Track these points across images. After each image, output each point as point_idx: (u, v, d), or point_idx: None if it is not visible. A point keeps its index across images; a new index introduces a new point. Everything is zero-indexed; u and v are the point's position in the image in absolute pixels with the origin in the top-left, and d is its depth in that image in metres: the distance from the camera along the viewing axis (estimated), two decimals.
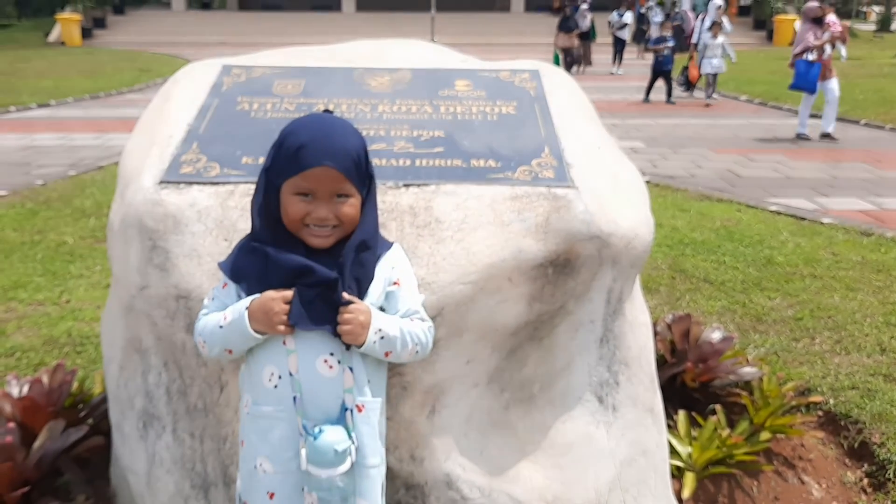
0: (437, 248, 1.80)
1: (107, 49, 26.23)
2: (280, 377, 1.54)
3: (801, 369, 3.64)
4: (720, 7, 14.99)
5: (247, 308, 1.52)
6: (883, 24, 39.05)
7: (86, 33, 29.31)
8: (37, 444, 2.31)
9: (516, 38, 30.25)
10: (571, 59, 18.73)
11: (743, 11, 33.30)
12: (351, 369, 1.55)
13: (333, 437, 1.51)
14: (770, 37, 29.76)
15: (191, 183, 1.89)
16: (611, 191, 2.02)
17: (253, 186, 1.66)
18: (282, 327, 1.49)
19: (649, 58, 21.56)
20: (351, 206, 1.55)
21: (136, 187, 1.89)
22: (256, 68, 2.46)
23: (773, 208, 7.13)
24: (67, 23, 28.41)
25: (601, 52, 22.09)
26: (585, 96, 2.53)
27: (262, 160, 1.97)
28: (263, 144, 2.03)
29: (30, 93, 14.86)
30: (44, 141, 10.39)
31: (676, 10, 22.73)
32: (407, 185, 1.91)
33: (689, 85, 15.48)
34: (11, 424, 2.31)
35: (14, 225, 6.09)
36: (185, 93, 2.28)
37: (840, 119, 12.51)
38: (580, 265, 1.91)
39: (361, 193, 1.58)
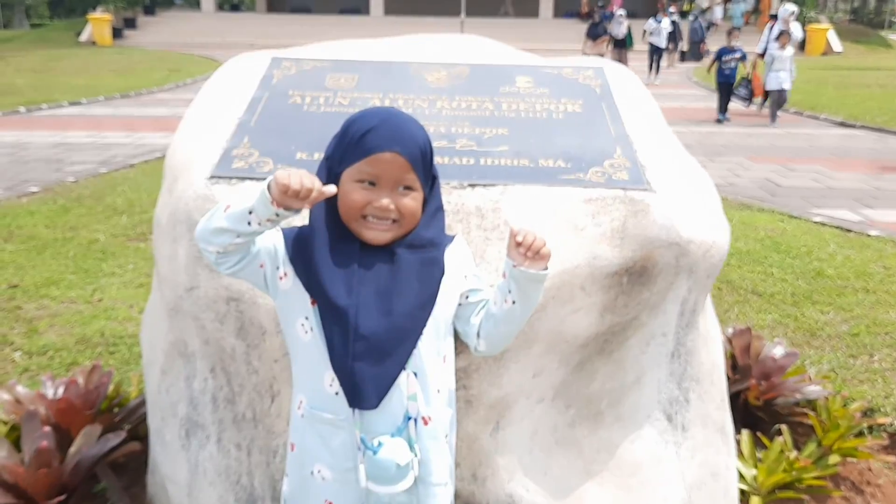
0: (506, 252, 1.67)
1: (137, 49, 26.44)
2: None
3: (862, 388, 3.46)
4: (792, 13, 13.31)
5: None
6: None
7: (116, 33, 29.59)
8: (73, 449, 2.21)
9: (544, 44, 30.05)
10: None
11: (774, 19, 32.85)
12: (415, 374, 1.43)
13: (394, 450, 1.39)
14: (802, 46, 29.33)
15: (243, 178, 1.78)
16: (688, 195, 1.88)
17: None
18: (306, 203, 1.28)
19: (680, 67, 20.86)
20: (413, 200, 1.43)
21: (185, 182, 1.79)
22: (307, 61, 2.35)
23: (817, 219, 6.93)
24: (99, 23, 28.69)
25: (636, 60, 21.75)
26: (650, 95, 2.40)
27: (318, 156, 1.87)
28: (318, 139, 1.92)
29: (62, 91, 14.97)
30: (75, 138, 10.42)
31: (692, 17, 21.68)
32: (472, 185, 1.79)
33: (750, 99, 13.55)
34: (47, 428, 2.22)
35: (46, 222, 6.05)
36: (234, 85, 2.18)
37: (880, 130, 12.23)
38: (657, 274, 1.78)
39: (424, 191, 1.46)
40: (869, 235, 6.37)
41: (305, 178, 1.27)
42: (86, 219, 6.19)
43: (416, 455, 1.41)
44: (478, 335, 1.52)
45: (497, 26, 31.42)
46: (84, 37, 29.26)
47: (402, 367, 1.40)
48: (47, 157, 9.14)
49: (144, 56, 23.02)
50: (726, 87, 12.88)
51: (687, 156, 2.17)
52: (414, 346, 1.41)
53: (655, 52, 18.63)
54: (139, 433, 2.51)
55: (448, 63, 2.38)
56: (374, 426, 1.41)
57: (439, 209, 1.51)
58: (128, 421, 2.49)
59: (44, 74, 17.89)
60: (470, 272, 1.53)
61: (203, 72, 18.91)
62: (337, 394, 1.41)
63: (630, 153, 1.92)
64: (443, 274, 1.46)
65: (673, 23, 22.33)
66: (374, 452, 1.37)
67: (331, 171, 1.44)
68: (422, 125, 1.46)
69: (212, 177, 1.78)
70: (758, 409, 2.77)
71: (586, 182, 1.81)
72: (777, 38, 12.59)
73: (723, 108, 13.04)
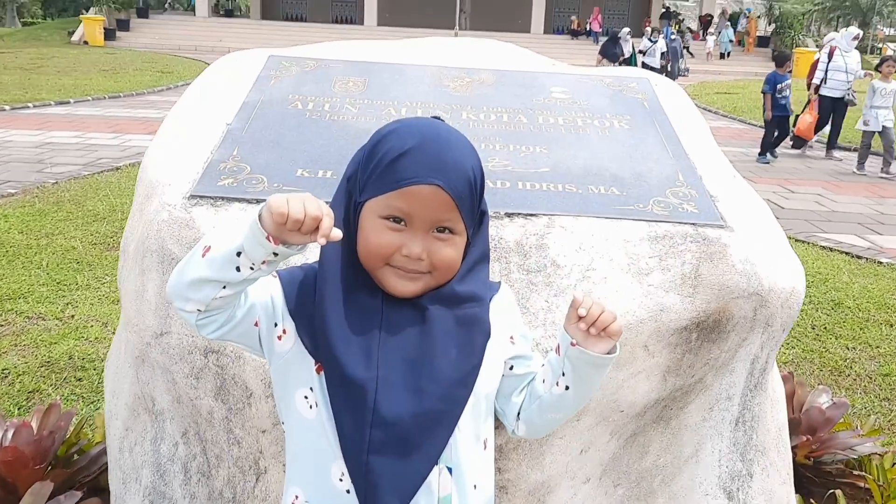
0: (554, 301, 1.35)
1: (129, 50, 26.03)
2: None
3: None
4: (856, 37, 11.23)
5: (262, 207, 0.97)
6: None
7: (109, 34, 29.23)
8: None
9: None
10: None
11: (762, 42, 33.04)
12: (450, 470, 1.10)
13: None
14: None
15: (230, 199, 1.45)
16: (763, 233, 1.57)
17: None
18: (323, 240, 0.94)
19: None
20: (452, 247, 1.08)
21: (160, 201, 1.46)
22: (310, 61, 2.03)
23: (825, 244, 6.68)
24: (91, 23, 28.36)
25: None
26: (699, 112, 2.10)
27: (323, 174, 1.55)
28: (323, 154, 1.61)
29: (49, 90, 14.57)
30: (60, 139, 10.03)
31: (674, 35, 20.96)
32: (510, 215, 1.47)
33: (798, 140, 11.30)
34: None
35: (21, 227, 5.68)
36: (226, 86, 1.86)
37: (875, 154, 11.87)
38: (730, 329, 1.46)
39: (468, 231, 1.12)
40: (881, 263, 6.12)
41: (309, 204, 0.93)
42: (63, 224, 5.82)
43: None
44: (518, 416, 1.19)
45: (491, 39, 31.28)
46: (76, 37, 28.85)
47: (434, 463, 1.07)
48: (29, 157, 8.76)
49: (135, 57, 22.60)
50: (781, 120, 10.67)
51: (746, 183, 1.87)
52: (450, 434, 1.08)
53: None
54: (101, 484, 2.16)
55: (469, 68, 2.07)
56: None
57: (484, 256, 1.16)
58: (88, 471, 2.14)
59: (32, 73, 17.46)
60: (518, 332, 1.20)
61: (194, 75, 18.51)
62: (348, 492, 1.08)
63: (694, 180, 1.61)
64: (487, 338, 1.12)
65: (667, 42, 21.64)
66: None
67: (351, 196, 1.11)
68: (471, 145, 1.12)
69: (192, 196, 1.45)
70: (805, 467, 2.45)
71: (648, 214, 1.49)
72: (878, 67, 10.37)
73: (775, 144, 10.84)
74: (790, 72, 10.98)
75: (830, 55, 11.01)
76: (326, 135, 1.67)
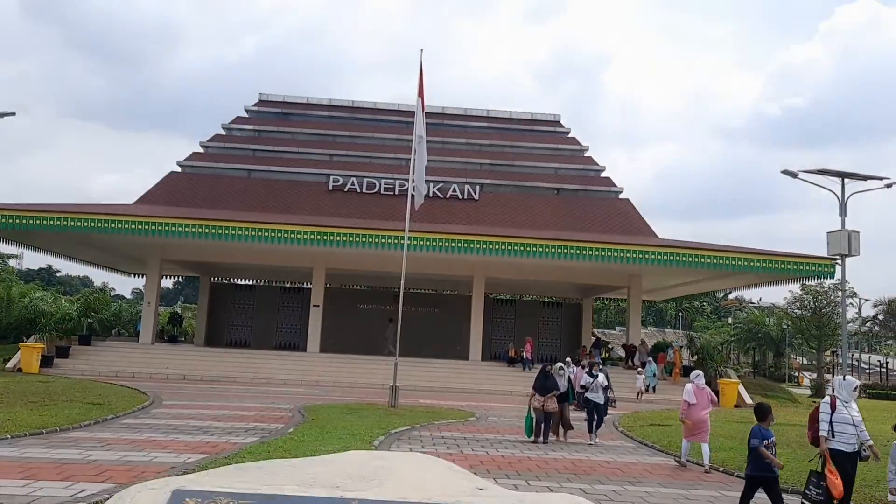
0: None
1: (64, 378, 25.65)
2: None
3: None
4: (856, 388, 9.99)
5: None
6: (817, 390, 41.35)
7: (47, 361, 29.09)
8: None
9: (474, 384, 30.73)
10: (549, 423, 16.10)
11: (686, 372, 34.85)
12: None
13: None
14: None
15: None
16: None
17: None
18: None
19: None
20: None
21: None
22: (219, 496, 1.91)
23: None
24: (29, 350, 28.34)
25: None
26: None
27: None
28: None
29: None
30: None
31: (601, 367, 20.40)
32: None
33: (830, 501, 9.14)
34: None
35: None
36: None
37: (793, 491, 11.27)
38: None
39: None
40: None
41: None
42: None
43: None
44: None
45: (428, 367, 32.06)
46: (11, 364, 28.50)
47: None
48: None
49: (69, 386, 22.10)
50: (767, 481, 9.22)
51: None
52: None
53: (595, 409, 16.82)
54: None
55: (389, 501, 1.98)
56: None
57: None
58: None
59: None
60: None
61: (127, 408, 18.09)
62: None
63: None
64: None
65: (607, 375, 20.90)
66: None
67: None
68: None
69: None
70: None
71: None
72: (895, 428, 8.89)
73: None
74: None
75: (833, 406, 9.67)
76: None
